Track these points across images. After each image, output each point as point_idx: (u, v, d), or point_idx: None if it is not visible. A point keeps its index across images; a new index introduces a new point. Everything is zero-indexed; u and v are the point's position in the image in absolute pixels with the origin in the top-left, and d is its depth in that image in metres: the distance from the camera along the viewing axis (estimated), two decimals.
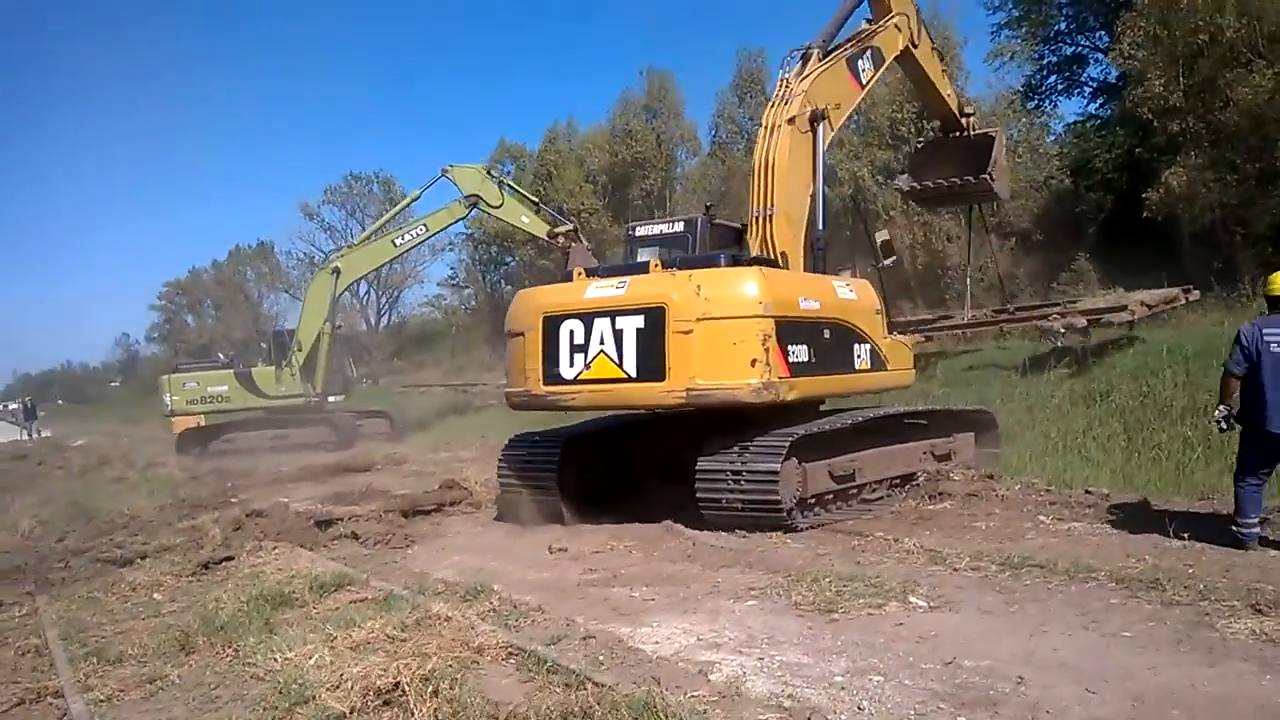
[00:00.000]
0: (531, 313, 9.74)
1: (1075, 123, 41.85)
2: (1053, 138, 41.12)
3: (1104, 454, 11.59)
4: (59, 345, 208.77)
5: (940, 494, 10.08)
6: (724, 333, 8.72)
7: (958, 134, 18.08)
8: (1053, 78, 43.35)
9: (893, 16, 14.75)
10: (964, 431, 11.72)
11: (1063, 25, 41.70)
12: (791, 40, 15.76)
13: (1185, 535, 7.63)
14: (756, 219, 11.19)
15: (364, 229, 67.62)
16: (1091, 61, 39.72)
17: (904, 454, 10.70)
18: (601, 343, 9.15)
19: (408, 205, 27.65)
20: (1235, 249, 28.59)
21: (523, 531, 10.10)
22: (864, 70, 13.40)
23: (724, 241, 11.90)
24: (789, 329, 9.01)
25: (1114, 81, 36.13)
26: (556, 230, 22.07)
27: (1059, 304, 18.15)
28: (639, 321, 8.98)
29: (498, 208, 22.20)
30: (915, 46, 15.59)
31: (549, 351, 9.49)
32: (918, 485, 10.49)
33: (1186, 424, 11.65)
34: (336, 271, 22.87)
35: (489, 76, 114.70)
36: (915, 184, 18.25)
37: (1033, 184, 36.13)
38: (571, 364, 9.34)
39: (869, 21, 14.50)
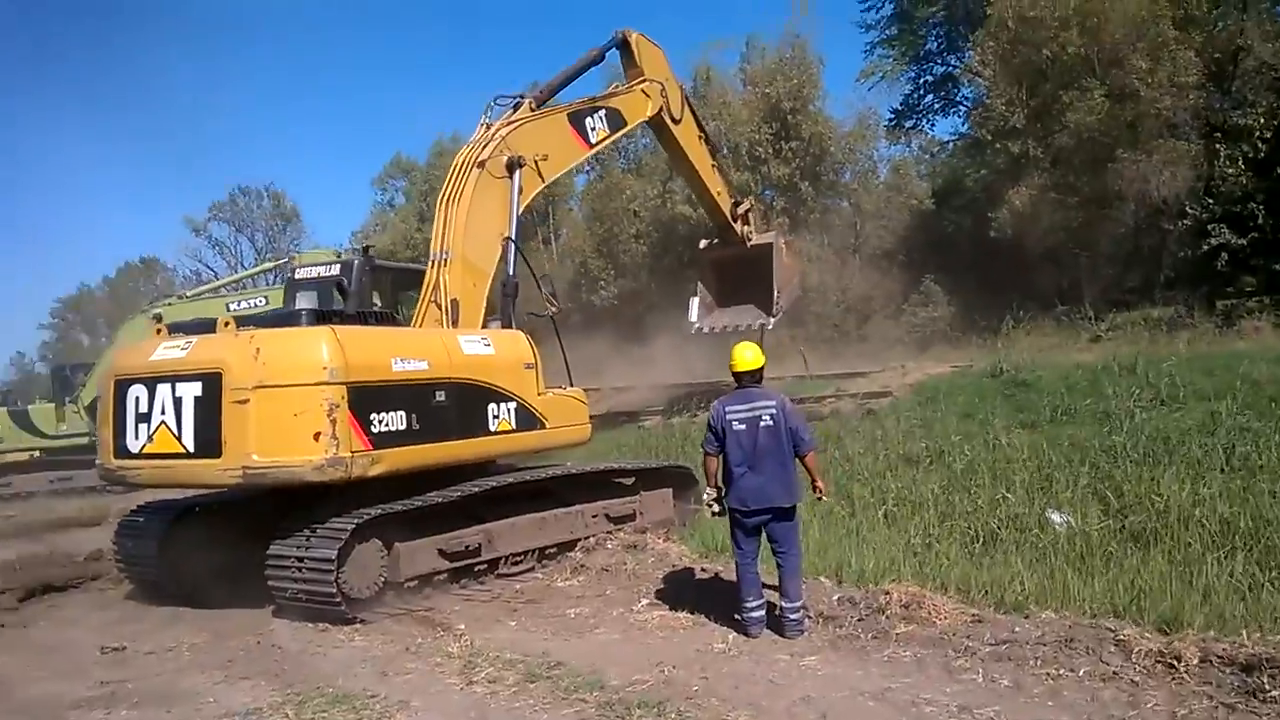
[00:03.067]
0: (107, 375, 8.69)
1: (947, 142, 41.94)
2: (929, 157, 41.23)
3: None
4: None
5: (583, 566, 9.21)
6: (283, 402, 7.72)
7: (736, 244, 17.80)
8: (929, 97, 43.41)
9: (642, 82, 14.18)
10: (656, 488, 10.91)
11: (934, 44, 41.68)
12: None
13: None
14: (433, 262, 10.40)
15: (253, 244, 66.41)
16: (965, 81, 39.64)
17: (563, 520, 9.84)
18: (163, 412, 8.11)
19: (253, 275, 26.70)
20: (1080, 269, 28.55)
21: (131, 617, 8.99)
22: (594, 129, 12.94)
23: (397, 285, 11.06)
24: (372, 395, 8.04)
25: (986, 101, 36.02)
26: None
27: (834, 391, 17.55)
28: (197, 389, 7.94)
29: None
30: (675, 122, 15.08)
31: (118, 421, 8.44)
32: (572, 555, 9.63)
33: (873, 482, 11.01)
34: (159, 318, 21.43)
35: (384, 86, 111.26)
36: (702, 327, 18.18)
37: (895, 205, 36.00)
38: (137, 435, 8.29)
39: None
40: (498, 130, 11.31)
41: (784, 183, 35.47)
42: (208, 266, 64.87)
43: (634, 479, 11.00)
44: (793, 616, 6.69)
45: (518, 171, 11.03)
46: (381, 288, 11.12)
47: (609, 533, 9.99)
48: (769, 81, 34.96)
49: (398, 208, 56.94)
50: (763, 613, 6.85)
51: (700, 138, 16.07)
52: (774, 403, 6.85)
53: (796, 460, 6.84)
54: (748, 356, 6.98)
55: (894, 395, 15.14)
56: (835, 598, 7.12)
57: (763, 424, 6.74)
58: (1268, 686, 4.93)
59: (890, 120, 41.03)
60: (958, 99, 42.12)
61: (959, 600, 6.84)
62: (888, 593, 6.76)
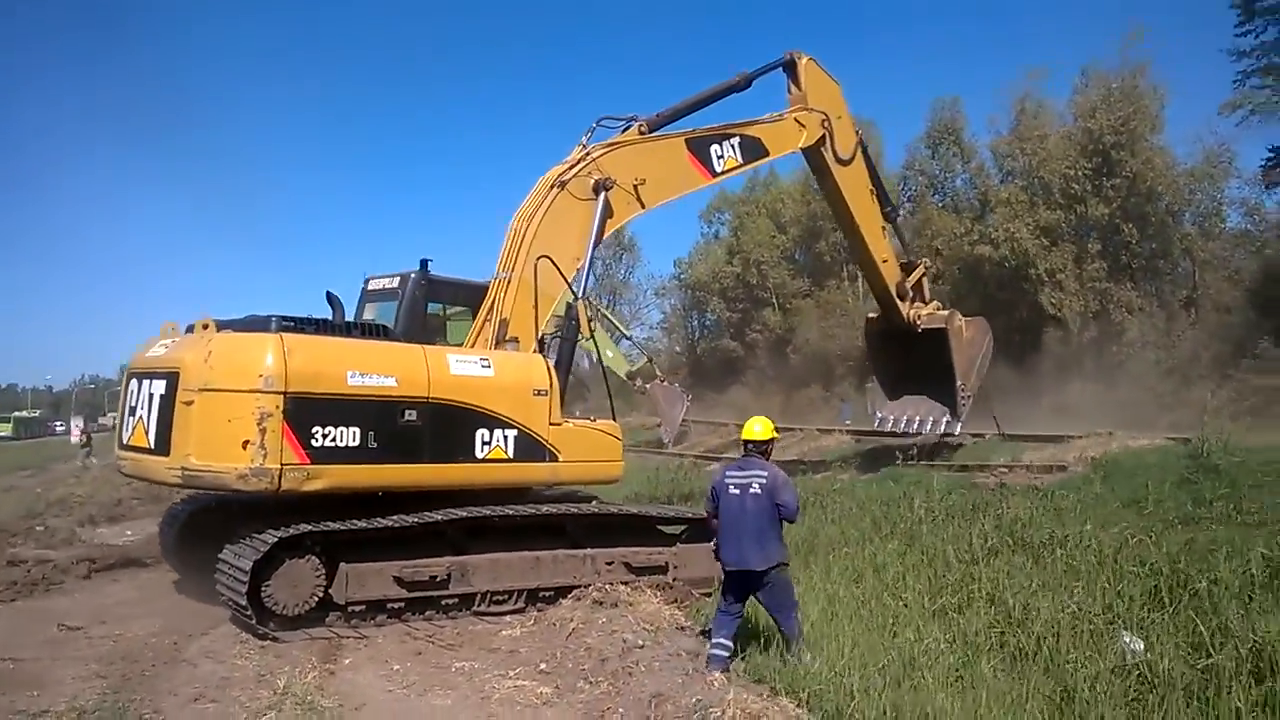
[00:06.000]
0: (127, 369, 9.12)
1: None
2: None
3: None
4: None
5: (541, 617, 8.36)
6: (221, 406, 7.62)
7: (900, 322, 15.87)
8: None
9: (797, 110, 12.98)
10: (704, 541, 9.70)
11: None
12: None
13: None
14: (498, 281, 10.11)
15: (591, 271, 69.84)
16: None
17: (564, 563, 9.02)
18: (142, 407, 8.35)
19: None
20: None
21: (147, 598, 9.45)
22: (721, 157, 12.05)
23: (472, 300, 10.79)
24: (315, 408, 7.76)
25: None
26: (634, 371, 21.30)
27: (1008, 460, 14.82)
28: (162, 387, 8.10)
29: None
30: (841, 163, 13.63)
31: (121, 412, 8.84)
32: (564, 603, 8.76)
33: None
34: None
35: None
36: (887, 419, 16.67)
37: (1243, 256, 30.92)
38: (127, 427, 8.62)
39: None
40: (594, 150, 10.78)
41: (1103, 223, 31.61)
42: None
43: (685, 528, 9.92)
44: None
45: (604, 194, 10.42)
46: (453, 301, 10.91)
47: (623, 582, 9.05)
48: (1090, 114, 31.31)
49: (722, 239, 57.47)
50: (723, 654, 6.89)
51: (872, 192, 14.39)
52: (767, 474, 7.07)
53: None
54: (756, 429, 7.34)
55: (1070, 469, 12.58)
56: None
57: (751, 490, 7.00)
58: None
59: (1269, 160, 35.11)
60: None
61: None
62: (724, 706, 5.35)
